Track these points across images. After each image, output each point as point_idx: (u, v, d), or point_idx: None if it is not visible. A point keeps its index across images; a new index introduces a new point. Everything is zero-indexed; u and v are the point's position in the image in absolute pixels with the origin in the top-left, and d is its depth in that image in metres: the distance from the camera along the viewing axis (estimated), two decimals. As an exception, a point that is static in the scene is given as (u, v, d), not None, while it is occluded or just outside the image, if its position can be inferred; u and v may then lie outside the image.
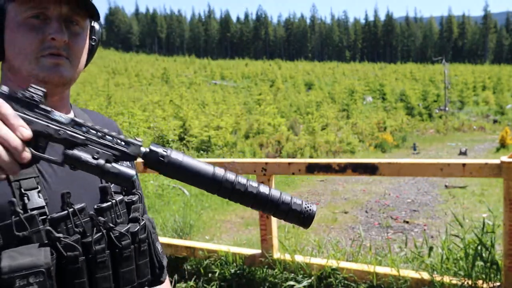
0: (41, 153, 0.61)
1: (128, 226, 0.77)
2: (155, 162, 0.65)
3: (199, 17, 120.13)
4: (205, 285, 2.78)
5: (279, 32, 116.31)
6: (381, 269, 2.46)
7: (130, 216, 0.81)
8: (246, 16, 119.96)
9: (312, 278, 2.54)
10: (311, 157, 11.24)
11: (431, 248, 2.49)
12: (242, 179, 0.69)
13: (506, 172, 2.11)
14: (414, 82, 33.79)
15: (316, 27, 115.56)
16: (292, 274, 2.64)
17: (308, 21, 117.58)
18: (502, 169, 2.13)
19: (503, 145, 12.16)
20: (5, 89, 0.60)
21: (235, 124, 13.43)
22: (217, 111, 13.45)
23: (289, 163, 2.61)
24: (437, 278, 2.33)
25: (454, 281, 2.30)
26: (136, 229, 0.78)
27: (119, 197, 0.79)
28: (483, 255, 2.30)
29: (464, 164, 2.22)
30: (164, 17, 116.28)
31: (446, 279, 2.31)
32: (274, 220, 2.71)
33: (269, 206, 0.69)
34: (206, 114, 13.91)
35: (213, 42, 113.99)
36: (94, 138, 0.63)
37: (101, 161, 0.62)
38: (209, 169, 0.68)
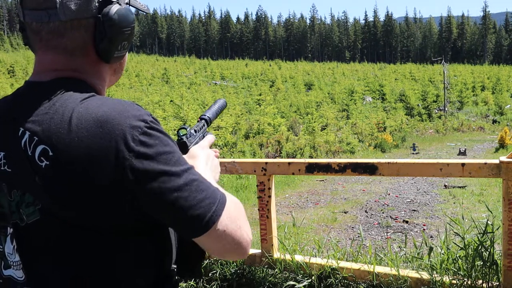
0: None
1: None
2: None
3: (199, 17, 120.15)
4: (205, 284, 2.79)
5: (279, 32, 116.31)
6: (381, 269, 2.47)
7: None
8: (246, 16, 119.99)
9: (312, 277, 2.55)
10: (311, 157, 11.25)
11: (431, 249, 2.50)
12: None
13: (505, 172, 2.12)
14: (414, 82, 33.79)
15: (316, 28, 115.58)
16: (292, 274, 2.65)
17: (308, 21, 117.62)
18: (501, 169, 2.14)
19: (502, 145, 12.17)
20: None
21: (235, 124, 13.44)
22: (217, 111, 13.43)
23: (289, 163, 2.62)
24: (437, 278, 2.34)
25: (453, 281, 2.31)
26: None
27: None
28: (483, 254, 2.31)
29: (463, 164, 2.23)
30: (164, 17, 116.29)
31: (446, 278, 2.32)
32: (274, 220, 2.72)
33: None
34: (206, 114, 13.89)
35: (213, 43, 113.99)
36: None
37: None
38: None
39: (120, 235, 0.77)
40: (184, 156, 0.98)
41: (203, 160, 1.01)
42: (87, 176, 0.72)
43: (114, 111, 0.75)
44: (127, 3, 0.87)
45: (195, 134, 1.10)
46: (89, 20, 0.81)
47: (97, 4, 0.81)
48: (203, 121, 1.16)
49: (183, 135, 1.06)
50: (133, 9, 0.93)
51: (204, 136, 1.12)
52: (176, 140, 0.98)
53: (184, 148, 1.04)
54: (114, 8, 0.82)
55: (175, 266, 0.88)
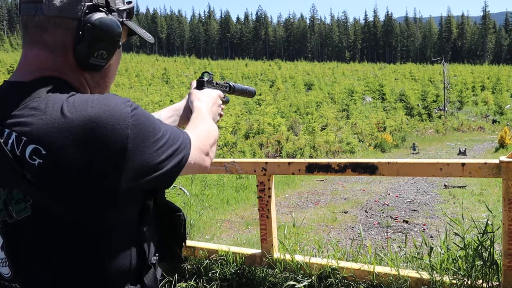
0: None
1: None
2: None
3: (199, 17, 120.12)
4: (205, 284, 2.79)
5: (279, 32, 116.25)
6: (380, 269, 2.47)
7: None
8: (246, 16, 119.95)
9: (312, 277, 2.55)
10: (311, 157, 11.25)
11: (431, 249, 2.50)
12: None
13: (505, 172, 2.12)
14: (414, 82, 33.74)
15: (315, 27, 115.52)
16: (292, 274, 2.65)
17: (307, 21, 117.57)
18: (501, 169, 2.14)
19: (502, 145, 12.16)
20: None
21: (235, 124, 13.44)
22: (217, 111, 13.44)
23: (289, 163, 2.62)
24: (437, 277, 2.34)
25: (453, 281, 2.31)
26: None
27: None
28: (483, 254, 2.31)
29: (463, 164, 2.23)
30: (164, 17, 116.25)
31: (446, 278, 2.32)
32: (274, 220, 2.72)
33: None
34: (206, 114, 13.88)
35: (213, 43, 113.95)
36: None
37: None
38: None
39: (111, 229, 0.81)
40: (197, 91, 1.23)
41: (209, 101, 1.19)
42: (85, 173, 0.75)
43: (101, 104, 0.78)
44: (121, 22, 0.90)
45: (214, 85, 1.28)
46: (73, 21, 0.84)
47: (84, 8, 0.84)
48: (227, 84, 1.34)
49: (205, 76, 1.25)
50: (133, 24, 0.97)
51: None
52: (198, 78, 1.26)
53: (200, 85, 1.24)
54: (98, 15, 0.85)
55: (157, 255, 0.92)
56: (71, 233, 0.78)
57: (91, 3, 0.84)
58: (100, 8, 0.86)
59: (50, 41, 0.84)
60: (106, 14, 0.86)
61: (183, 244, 1.00)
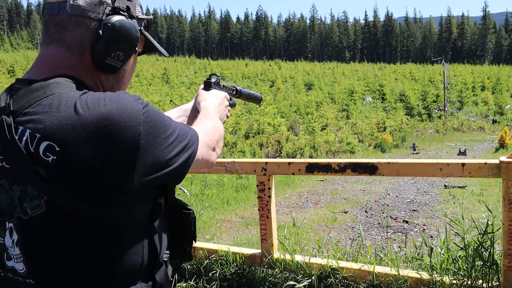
0: None
1: None
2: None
3: (199, 17, 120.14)
4: (205, 284, 2.79)
5: (279, 32, 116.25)
6: (380, 269, 2.47)
7: None
8: (246, 16, 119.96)
9: (312, 277, 2.55)
10: (311, 157, 11.25)
11: (431, 249, 2.50)
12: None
13: (505, 172, 2.12)
14: (414, 82, 33.73)
15: (316, 28, 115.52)
16: (292, 274, 2.64)
17: (308, 21, 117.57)
18: (501, 169, 2.14)
19: (502, 145, 12.16)
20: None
21: (235, 124, 13.44)
22: (217, 111, 13.43)
23: (289, 163, 2.62)
24: (437, 278, 2.34)
25: (453, 281, 2.31)
26: None
27: None
28: (483, 255, 2.31)
29: (463, 164, 2.23)
30: (164, 17, 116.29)
31: (446, 279, 2.32)
32: (274, 220, 2.72)
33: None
34: (206, 114, 13.88)
35: (213, 43, 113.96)
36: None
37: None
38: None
39: (122, 226, 0.82)
40: (205, 91, 1.26)
41: (215, 102, 1.22)
42: (98, 170, 0.76)
43: (113, 102, 0.79)
44: (139, 29, 0.93)
45: (221, 87, 1.31)
46: (93, 21, 0.87)
47: (105, 10, 0.87)
48: (234, 87, 1.36)
49: (212, 78, 1.28)
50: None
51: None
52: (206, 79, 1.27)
53: (207, 86, 1.27)
54: (118, 17, 0.88)
55: (167, 253, 0.94)
56: (83, 230, 0.79)
57: (113, 6, 0.88)
58: (121, 12, 0.89)
59: (69, 39, 0.86)
60: (126, 18, 0.89)
61: (193, 241, 1.03)
